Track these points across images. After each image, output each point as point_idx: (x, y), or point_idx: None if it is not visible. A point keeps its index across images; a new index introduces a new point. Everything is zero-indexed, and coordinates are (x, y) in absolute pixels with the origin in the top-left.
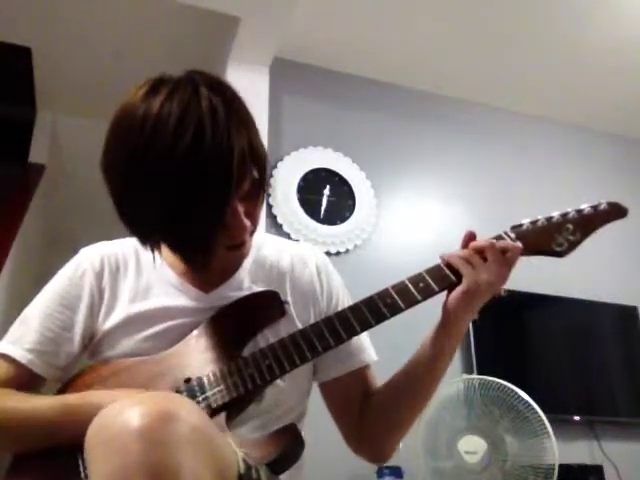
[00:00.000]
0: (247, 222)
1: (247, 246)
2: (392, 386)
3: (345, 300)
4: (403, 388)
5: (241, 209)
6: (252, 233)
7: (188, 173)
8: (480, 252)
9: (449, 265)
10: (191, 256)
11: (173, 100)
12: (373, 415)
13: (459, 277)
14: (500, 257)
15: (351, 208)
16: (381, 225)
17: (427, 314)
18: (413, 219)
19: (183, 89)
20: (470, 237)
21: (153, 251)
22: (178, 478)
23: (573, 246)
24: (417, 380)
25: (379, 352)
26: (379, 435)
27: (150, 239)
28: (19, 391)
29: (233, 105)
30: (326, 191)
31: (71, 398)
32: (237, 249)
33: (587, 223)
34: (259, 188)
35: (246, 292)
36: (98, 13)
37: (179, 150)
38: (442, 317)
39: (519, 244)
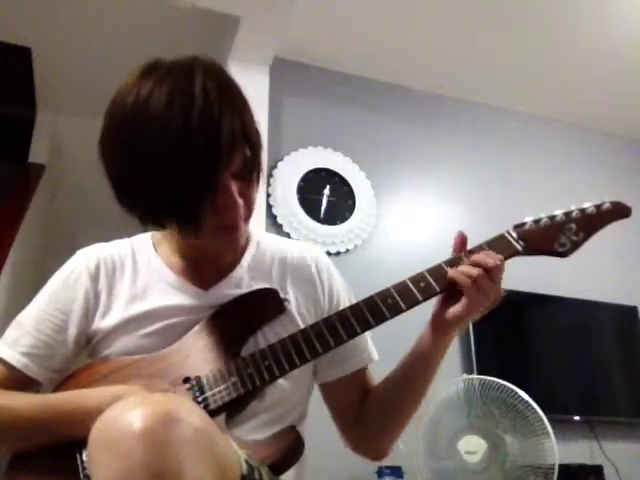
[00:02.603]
0: (240, 200)
1: (242, 233)
2: (387, 387)
3: (346, 300)
4: (397, 389)
5: (234, 187)
6: (247, 219)
7: (179, 143)
8: (483, 268)
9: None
10: (184, 227)
11: (166, 79)
12: (370, 414)
13: None
14: (501, 276)
15: (351, 208)
16: (381, 225)
17: (421, 315)
18: (413, 219)
19: (177, 70)
20: (462, 240)
21: (160, 225)
22: None
23: (576, 246)
24: (410, 382)
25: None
26: (376, 433)
27: (150, 218)
28: None
29: (226, 86)
30: (326, 191)
31: (54, 397)
32: (231, 232)
33: (590, 223)
34: (252, 167)
35: (245, 290)
36: (98, 13)
37: (170, 122)
38: (434, 326)
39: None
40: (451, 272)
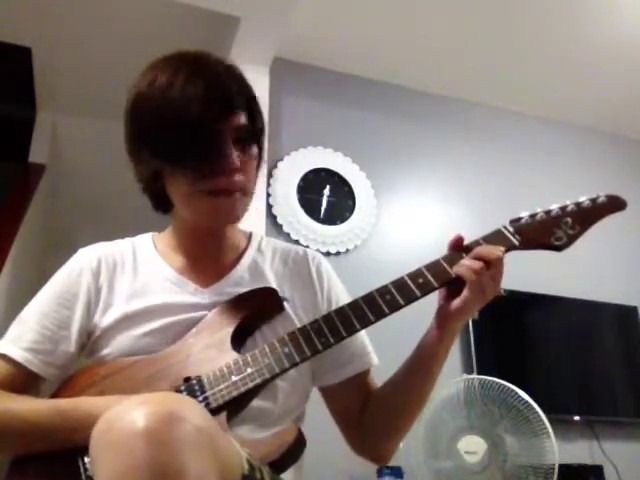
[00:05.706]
0: (237, 163)
1: (237, 205)
2: (389, 389)
3: None
4: (400, 391)
5: (235, 152)
6: (245, 193)
7: (188, 95)
8: (484, 261)
9: (451, 264)
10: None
11: (183, 66)
12: (372, 417)
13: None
14: (502, 270)
15: (351, 208)
16: (381, 225)
17: (427, 322)
18: (413, 219)
19: (190, 57)
20: (459, 241)
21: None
22: (183, 479)
23: (572, 240)
24: (415, 377)
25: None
26: (379, 437)
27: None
28: (17, 390)
29: (232, 66)
30: (326, 191)
31: (63, 403)
32: (223, 199)
33: (586, 216)
34: (250, 137)
35: (245, 288)
36: (98, 13)
37: (192, 96)
38: (438, 320)
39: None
40: (457, 269)
